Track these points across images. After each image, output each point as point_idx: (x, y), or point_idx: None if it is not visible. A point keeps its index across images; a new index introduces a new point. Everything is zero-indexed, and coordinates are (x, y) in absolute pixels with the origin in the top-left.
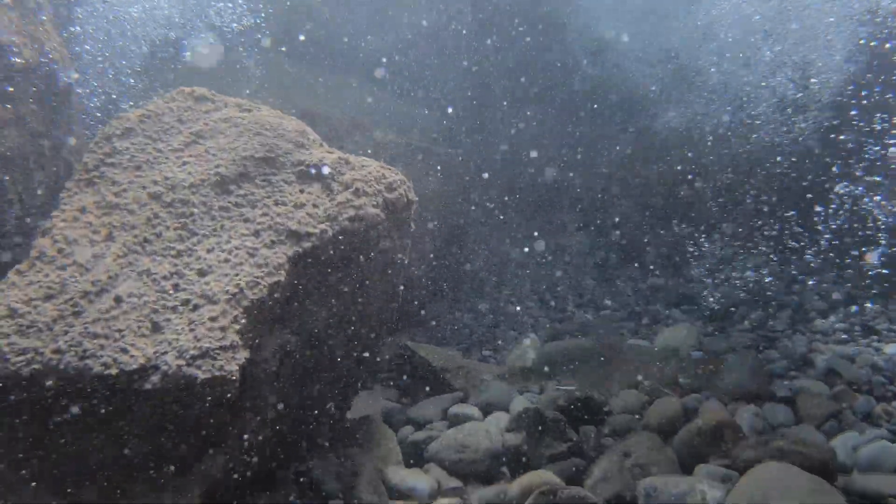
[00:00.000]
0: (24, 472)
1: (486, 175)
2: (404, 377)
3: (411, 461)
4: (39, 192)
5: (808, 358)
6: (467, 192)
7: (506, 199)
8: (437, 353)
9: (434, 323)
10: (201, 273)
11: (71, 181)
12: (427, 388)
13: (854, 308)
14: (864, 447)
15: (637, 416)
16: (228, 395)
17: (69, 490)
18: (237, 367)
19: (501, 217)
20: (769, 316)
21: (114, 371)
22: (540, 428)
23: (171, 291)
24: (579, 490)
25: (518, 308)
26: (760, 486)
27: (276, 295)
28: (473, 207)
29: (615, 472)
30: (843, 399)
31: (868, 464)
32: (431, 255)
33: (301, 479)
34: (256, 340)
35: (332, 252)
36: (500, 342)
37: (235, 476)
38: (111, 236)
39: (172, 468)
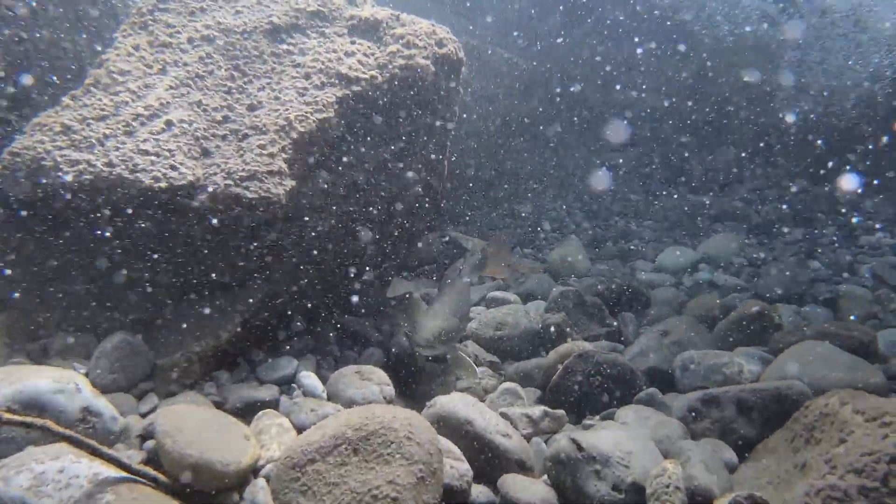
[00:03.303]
0: (78, 288)
1: (540, 82)
2: (445, 265)
3: None
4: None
5: (852, 267)
6: (522, 97)
7: (556, 111)
8: (478, 244)
9: (478, 223)
10: (251, 108)
11: (125, 24)
12: None
13: None
14: None
15: (675, 312)
16: (273, 217)
17: (114, 313)
18: (284, 192)
19: (552, 128)
20: (815, 232)
21: (163, 185)
22: (579, 310)
23: (220, 121)
24: (617, 355)
25: (561, 213)
26: (799, 359)
27: (326, 129)
28: (525, 115)
29: (653, 348)
30: (886, 301)
31: None
32: (482, 155)
33: (342, 331)
34: (303, 173)
35: (381, 100)
36: (541, 242)
37: (277, 307)
38: (164, 70)
39: (215, 293)
